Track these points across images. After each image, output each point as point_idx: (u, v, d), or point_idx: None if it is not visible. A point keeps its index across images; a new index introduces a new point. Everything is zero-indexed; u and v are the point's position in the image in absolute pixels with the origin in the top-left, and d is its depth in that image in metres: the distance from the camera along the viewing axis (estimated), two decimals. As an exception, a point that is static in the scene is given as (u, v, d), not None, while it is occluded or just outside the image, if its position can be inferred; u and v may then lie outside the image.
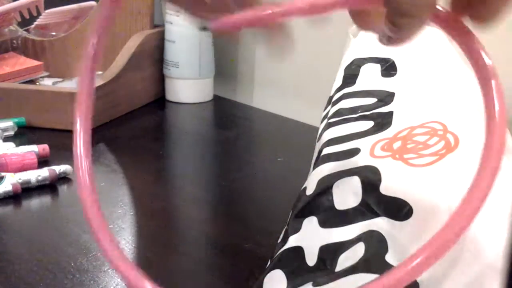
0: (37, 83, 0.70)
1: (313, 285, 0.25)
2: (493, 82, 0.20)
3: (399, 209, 0.26)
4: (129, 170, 0.51)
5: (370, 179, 0.28)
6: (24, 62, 0.71)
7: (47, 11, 0.79)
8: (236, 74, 0.78)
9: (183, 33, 0.70)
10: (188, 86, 0.72)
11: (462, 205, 0.19)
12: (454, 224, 0.18)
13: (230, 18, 0.21)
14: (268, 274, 0.27)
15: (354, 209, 0.28)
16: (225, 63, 0.78)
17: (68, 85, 0.69)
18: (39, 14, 0.76)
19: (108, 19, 0.25)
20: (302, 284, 0.26)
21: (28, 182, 0.46)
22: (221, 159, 0.55)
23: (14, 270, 0.35)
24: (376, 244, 0.25)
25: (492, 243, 0.24)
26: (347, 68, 0.40)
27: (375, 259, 0.24)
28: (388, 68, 0.38)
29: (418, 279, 0.23)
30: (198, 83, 0.73)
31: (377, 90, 0.37)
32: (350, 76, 0.39)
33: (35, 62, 0.72)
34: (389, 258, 0.24)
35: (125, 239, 0.39)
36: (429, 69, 0.37)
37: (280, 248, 0.28)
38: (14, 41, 0.75)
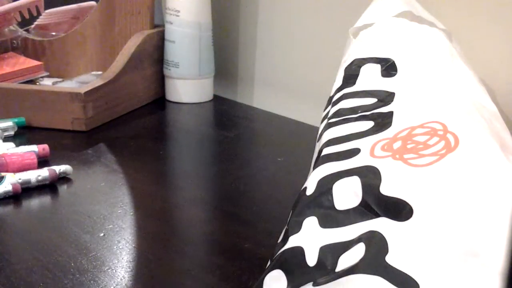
0: (37, 83, 0.70)
1: (313, 285, 0.25)
2: None
3: (399, 210, 0.26)
4: (129, 170, 0.51)
5: (370, 179, 0.28)
6: (24, 62, 0.71)
7: (47, 11, 0.79)
8: (236, 74, 0.78)
9: (183, 33, 0.70)
10: (188, 86, 0.72)
11: None
12: None
13: None
14: (268, 274, 0.27)
15: (354, 209, 0.28)
16: (225, 63, 0.78)
17: (68, 85, 0.69)
18: (39, 14, 0.76)
19: None
20: (302, 284, 0.26)
21: (28, 182, 0.46)
22: (221, 159, 0.55)
23: (14, 270, 0.35)
24: (376, 245, 0.25)
25: (492, 243, 0.24)
26: (347, 68, 0.40)
27: (375, 259, 0.24)
28: (388, 68, 0.38)
29: (418, 279, 0.23)
30: (198, 83, 0.73)
31: (377, 90, 0.37)
32: (350, 76, 0.39)
33: (35, 62, 0.72)
34: (390, 258, 0.24)
35: (125, 239, 0.39)
36: (429, 69, 0.37)
37: (280, 248, 0.28)
38: (14, 41, 0.75)
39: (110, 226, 0.41)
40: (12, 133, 0.58)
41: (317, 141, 0.37)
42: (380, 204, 0.27)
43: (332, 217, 0.28)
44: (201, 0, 0.70)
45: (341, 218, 0.28)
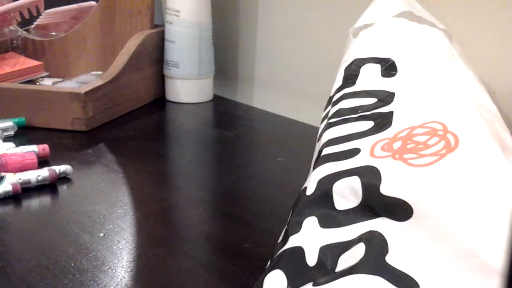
0: (37, 83, 0.70)
1: (313, 285, 0.25)
2: None
3: (399, 210, 0.26)
4: (129, 170, 0.51)
5: (370, 179, 0.28)
6: (24, 62, 0.71)
7: (47, 11, 0.79)
8: (236, 74, 0.78)
9: (183, 33, 0.70)
10: (188, 86, 0.72)
11: None
12: None
13: None
14: (268, 274, 0.27)
15: (354, 209, 0.28)
16: (225, 63, 0.78)
17: (68, 85, 0.69)
18: (39, 14, 0.76)
19: None
20: (302, 284, 0.26)
21: (28, 182, 0.46)
22: (221, 159, 0.55)
23: (14, 270, 0.35)
24: (376, 245, 0.25)
25: (492, 243, 0.24)
26: (347, 68, 0.40)
27: (375, 259, 0.24)
28: (388, 68, 0.38)
29: (418, 279, 0.23)
30: (198, 83, 0.73)
31: (377, 90, 0.37)
32: (350, 76, 0.39)
33: (35, 62, 0.72)
34: (390, 258, 0.24)
35: (125, 239, 0.39)
36: (429, 69, 0.37)
37: (280, 248, 0.28)
38: (14, 41, 0.75)
39: (110, 226, 0.41)
40: (12, 133, 0.58)
41: (317, 141, 0.38)
42: (380, 204, 0.27)
43: (332, 217, 0.28)
44: (201, 0, 0.70)
45: (341, 218, 0.28)
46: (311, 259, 0.27)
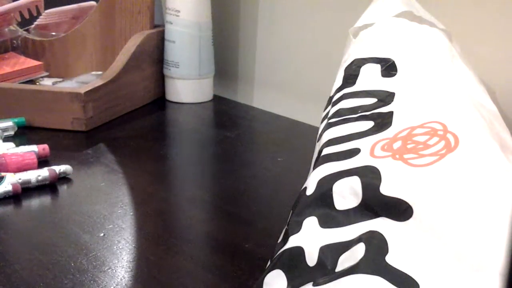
0: (37, 83, 0.71)
1: (313, 285, 0.25)
2: None
3: (399, 210, 0.26)
4: (129, 170, 0.51)
5: (370, 179, 0.28)
6: (24, 62, 0.71)
7: (47, 11, 0.79)
8: (236, 74, 0.78)
9: (183, 33, 0.70)
10: (188, 86, 0.72)
11: None
12: None
13: None
14: (268, 274, 0.27)
15: (354, 209, 0.28)
16: (225, 63, 0.78)
17: (68, 85, 0.69)
18: (39, 14, 0.76)
19: None
20: (302, 284, 0.26)
21: (28, 182, 0.46)
22: (221, 159, 0.55)
23: (14, 270, 0.35)
24: (376, 245, 0.25)
25: (492, 243, 0.24)
26: (347, 68, 0.40)
27: (375, 259, 0.24)
28: (388, 68, 0.38)
29: (418, 279, 0.23)
30: (198, 83, 0.73)
31: (377, 90, 0.37)
32: (350, 76, 0.39)
33: (35, 62, 0.72)
34: (390, 258, 0.24)
35: (125, 239, 0.39)
36: (429, 69, 0.37)
37: (280, 248, 0.28)
38: (14, 41, 0.75)
39: (110, 226, 0.41)
40: (12, 133, 0.58)
41: (317, 141, 0.38)
42: (380, 204, 0.27)
43: (332, 217, 0.28)
44: (201, 0, 0.70)
45: (341, 218, 0.28)
46: (311, 259, 0.27)
